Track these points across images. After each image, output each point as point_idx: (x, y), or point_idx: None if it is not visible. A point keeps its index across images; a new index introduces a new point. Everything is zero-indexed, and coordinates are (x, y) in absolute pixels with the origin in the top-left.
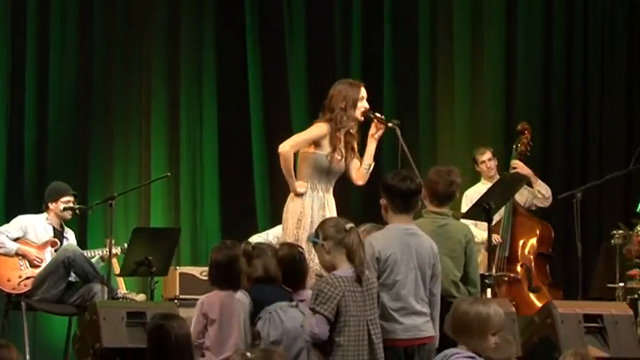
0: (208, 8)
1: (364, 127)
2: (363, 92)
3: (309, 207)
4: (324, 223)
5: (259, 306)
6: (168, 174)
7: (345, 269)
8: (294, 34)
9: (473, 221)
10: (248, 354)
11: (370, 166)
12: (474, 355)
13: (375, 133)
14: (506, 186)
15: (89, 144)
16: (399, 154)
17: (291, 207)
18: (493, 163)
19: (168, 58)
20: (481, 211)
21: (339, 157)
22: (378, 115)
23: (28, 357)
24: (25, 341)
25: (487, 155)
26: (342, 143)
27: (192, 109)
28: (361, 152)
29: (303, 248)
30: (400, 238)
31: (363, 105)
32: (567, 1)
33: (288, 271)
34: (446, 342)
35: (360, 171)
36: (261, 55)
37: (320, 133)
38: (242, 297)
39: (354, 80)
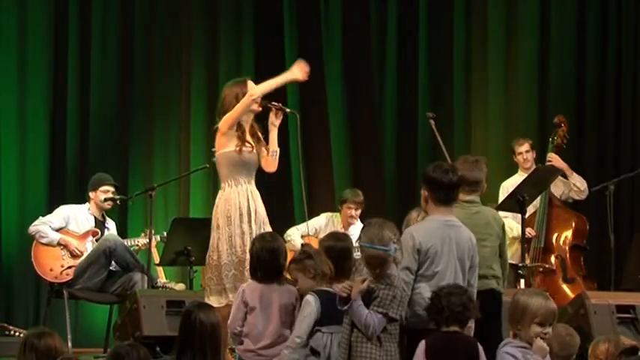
0: (246, 2)
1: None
2: (251, 86)
3: (236, 202)
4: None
5: (324, 316)
6: (207, 165)
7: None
8: (331, 34)
9: (511, 213)
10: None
11: (276, 152)
12: (525, 345)
13: (274, 120)
14: (539, 178)
15: (130, 136)
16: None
17: (219, 207)
18: (530, 155)
19: (207, 52)
20: (515, 202)
21: (250, 149)
22: (275, 103)
23: (70, 344)
24: (67, 329)
25: (525, 147)
26: (249, 135)
27: None
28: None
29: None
30: (441, 230)
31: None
32: None
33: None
34: (481, 331)
35: (268, 159)
36: (297, 50)
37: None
38: (312, 300)
39: (239, 78)
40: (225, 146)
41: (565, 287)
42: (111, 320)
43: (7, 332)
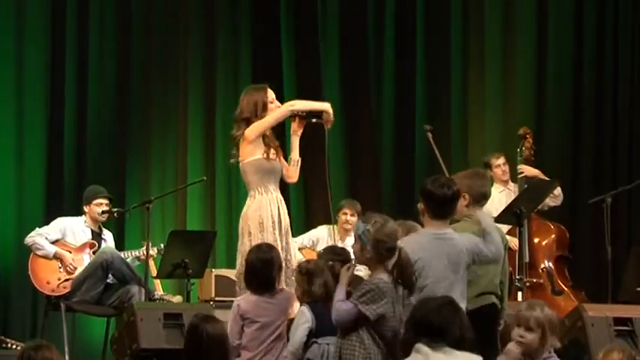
0: (243, 12)
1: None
2: (271, 94)
3: (268, 210)
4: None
5: (319, 328)
6: (204, 178)
7: (386, 276)
8: (328, 43)
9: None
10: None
11: (297, 161)
12: None
13: (296, 129)
14: (536, 191)
15: (127, 149)
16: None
17: (250, 214)
18: (507, 168)
19: (204, 65)
20: (512, 215)
21: (274, 156)
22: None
23: (67, 357)
24: (64, 342)
25: (501, 160)
26: (271, 143)
27: (229, 114)
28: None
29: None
30: (430, 243)
31: (275, 106)
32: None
33: None
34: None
35: (291, 168)
36: (294, 60)
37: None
38: (306, 311)
39: (256, 85)
40: (252, 154)
41: (555, 300)
42: (108, 333)
43: (4, 345)
